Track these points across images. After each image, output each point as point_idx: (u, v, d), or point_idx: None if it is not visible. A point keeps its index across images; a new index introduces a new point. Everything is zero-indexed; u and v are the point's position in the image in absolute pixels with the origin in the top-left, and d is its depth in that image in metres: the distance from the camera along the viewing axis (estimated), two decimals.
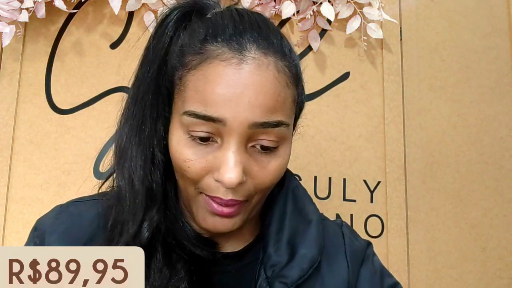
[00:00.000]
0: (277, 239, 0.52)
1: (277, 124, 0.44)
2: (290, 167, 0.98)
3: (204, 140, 0.44)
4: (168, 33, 0.48)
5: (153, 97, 0.48)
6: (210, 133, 0.44)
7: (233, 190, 0.45)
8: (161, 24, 0.49)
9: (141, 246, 0.45)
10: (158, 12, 0.95)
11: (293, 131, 0.52)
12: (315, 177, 0.98)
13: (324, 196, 0.97)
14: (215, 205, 0.46)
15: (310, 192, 0.97)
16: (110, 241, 0.47)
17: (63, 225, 0.50)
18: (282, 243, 0.51)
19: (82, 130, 0.96)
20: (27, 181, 0.94)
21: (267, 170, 0.46)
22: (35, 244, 0.51)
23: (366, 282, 0.55)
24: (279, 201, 0.54)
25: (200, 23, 0.47)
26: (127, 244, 0.46)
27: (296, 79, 0.48)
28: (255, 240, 0.54)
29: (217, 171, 0.44)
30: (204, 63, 0.44)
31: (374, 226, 0.97)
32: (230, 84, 0.42)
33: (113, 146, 0.51)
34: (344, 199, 0.98)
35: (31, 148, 0.95)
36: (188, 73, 0.45)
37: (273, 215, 0.53)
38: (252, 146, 0.45)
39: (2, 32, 0.92)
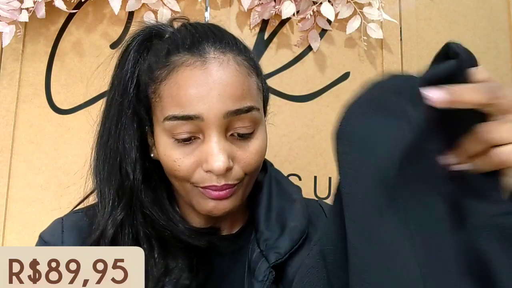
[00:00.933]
0: (267, 217, 0.57)
1: (249, 109, 0.50)
2: (290, 167, 0.99)
3: (187, 140, 0.49)
4: (132, 58, 0.54)
5: (119, 118, 0.53)
6: (191, 132, 0.49)
7: (224, 176, 0.49)
8: (124, 52, 0.55)
9: (110, 243, 0.50)
10: (158, 13, 0.95)
11: (264, 117, 0.58)
12: (315, 177, 0.98)
13: (324, 196, 0.97)
14: (212, 192, 0.50)
15: (310, 192, 0.97)
16: (87, 243, 0.52)
17: (75, 233, 0.54)
18: (272, 221, 0.57)
19: (82, 130, 0.96)
20: (27, 181, 0.94)
21: (250, 152, 0.51)
22: None
23: None
24: (264, 186, 0.59)
25: (161, 43, 0.53)
26: (97, 241, 0.51)
27: (255, 69, 0.54)
28: (247, 223, 0.60)
29: (205, 162, 0.49)
30: (172, 72, 0.49)
31: None
32: (199, 83, 0.48)
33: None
34: None
35: (31, 148, 0.95)
36: (160, 84, 0.50)
37: (261, 198, 0.58)
38: (231, 134, 0.50)
39: (2, 32, 0.92)
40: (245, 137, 0.51)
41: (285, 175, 0.95)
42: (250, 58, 0.53)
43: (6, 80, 0.97)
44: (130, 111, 0.53)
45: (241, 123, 0.50)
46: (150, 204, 0.53)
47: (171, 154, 0.50)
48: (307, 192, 0.97)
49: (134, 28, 0.57)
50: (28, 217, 0.93)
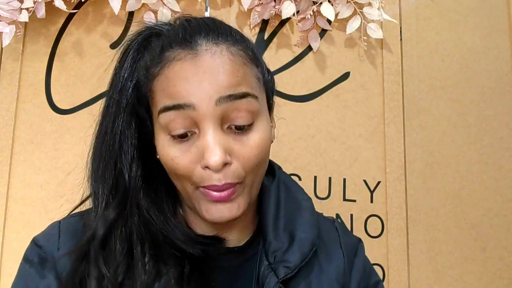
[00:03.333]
0: (275, 227, 0.54)
1: (243, 95, 0.47)
2: (290, 167, 0.99)
3: (184, 136, 0.47)
4: (130, 58, 0.53)
5: (116, 116, 0.52)
6: (187, 127, 0.47)
7: (224, 173, 0.47)
8: (125, 52, 0.54)
9: (101, 243, 0.48)
10: (158, 13, 0.95)
11: (270, 112, 0.55)
12: (315, 177, 0.98)
13: (324, 196, 0.97)
14: (213, 193, 0.48)
15: (310, 192, 0.97)
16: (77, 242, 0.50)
17: (73, 239, 0.52)
18: (280, 230, 0.54)
19: (82, 130, 0.96)
20: (27, 181, 0.94)
21: (249, 146, 0.48)
22: (40, 259, 0.51)
23: (360, 271, 0.58)
24: (272, 192, 0.57)
25: (157, 40, 0.52)
26: (88, 242, 0.49)
27: (254, 59, 0.51)
28: (255, 234, 0.57)
29: (202, 158, 0.46)
30: (164, 67, 0.48)
31: (374, 226, 0.97)
32: (189, 74, 0.46)
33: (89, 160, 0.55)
34: (344, 199, 0.98)
35: (31, 148, 0.95)
36: (154, 81, 0.49)
37: (269, 205, 0.56)
38: (228, 127, 0.47)
39: (2, 32, 0.92)
40: (243, 129, 0.48)
41: None
42: (248, 47, 0.51)
43: (6, 80, 0.97)
44: (128, 110, 0.52)
45: (237, 113, 0.47)
46: (147, 205, 0.51)
47: (169, 152, 0.48)
48: (307, 192, 0.96)
49: (134, 27, 0.56)
50: (28, 217, 0.93)
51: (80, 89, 0.97)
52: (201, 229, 0.55)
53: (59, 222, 0.55)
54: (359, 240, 0.63)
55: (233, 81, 0.46)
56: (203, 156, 0.46)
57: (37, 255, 0.52)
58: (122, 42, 0.55)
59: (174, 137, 0.48)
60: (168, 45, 0.49)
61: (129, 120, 0.52)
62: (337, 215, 0.96)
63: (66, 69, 0.98)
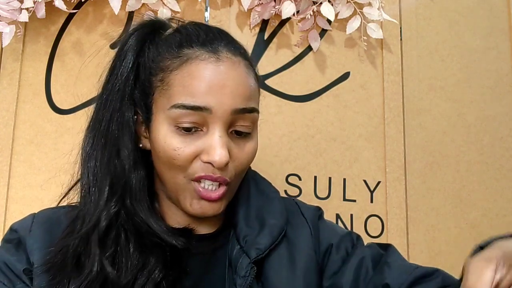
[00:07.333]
0: (246, 215, 0.58)
1: (252, 110, 0.53)
2: (290, 167, 0.99)
3: (188, 130, 0.51)
4: (135, 48, 0.54)
5: (121, 105, 0.54)
6: (195, 123, 0.50)
7: (221, 169, 0.51)
8: (126, 42, 0.56)
9: (101, 235, 0.50)
10: (158, 13, 0.95)
11: None
12: (315, 177, 0.98)
13: (324, 196, 0.97)
14: (205, 194, 0.52)
15: (310, 192, 0.97)
16: (70, 233, 0.52)
17: (44, 226, 0.55)
18: (251, 218, 0.58)
19: (82, 130, 0.95)
20: (27, 181, 0.94)
21: (245, 152, 0.54)
22: (16, 239, 0.55)
23: (327, 231, 0.62)
24: (243, 186, 0.60)
25: (172, 34, 0.55)
26: (87, 233, 0.51)
27: (256, 74, 0.57)
28: (226, 223, 0.60)
29: (206, 154, 0.50)
30: (185, 63, 0.51)
31: (374, 226, 0.97)
32: (212, 78, 0.50)
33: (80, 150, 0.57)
34: (344, 199, 0.98)
35: (31, 148, 0.95)
36: (171, 73, 0.52)
37: (240, 197, 0.59)
38: (231, 132, 0.52)
39: (2, 32, 0.92)
40: (242, 136, 0.53)
41: (285, 175, 0.95)
42: (253, 64, 0.56)
43: (6, 80, 0.96)
44: (130, 99, 0.54)
45: (243, 122, 0.52)
46: (135, 196, 0.53)
47: (172, 142, 0.51)
48: (307, 192, 0.97)
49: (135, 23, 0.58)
50: None
51: (80, 89, 0.97)
52: (175, 221, 0.57)
53: (35, 213, 0.59)
54: (319, 208, 0.66)
55: (248, 94, 0.52)
56: (209, 153, 0.50)
57: (14, 236, 0.56)
58: (123, 34, 0.57)
59: (180, 129, 0.50)
60: (188, 43, 0.52)
61: (130, 110, 0.54)
62: (337, 215, 0.96)
63: (66, 69, 0.98)
